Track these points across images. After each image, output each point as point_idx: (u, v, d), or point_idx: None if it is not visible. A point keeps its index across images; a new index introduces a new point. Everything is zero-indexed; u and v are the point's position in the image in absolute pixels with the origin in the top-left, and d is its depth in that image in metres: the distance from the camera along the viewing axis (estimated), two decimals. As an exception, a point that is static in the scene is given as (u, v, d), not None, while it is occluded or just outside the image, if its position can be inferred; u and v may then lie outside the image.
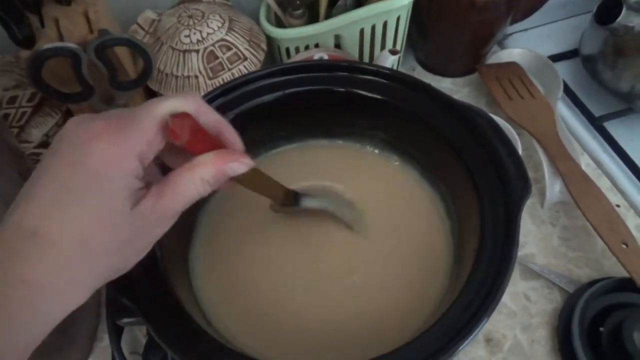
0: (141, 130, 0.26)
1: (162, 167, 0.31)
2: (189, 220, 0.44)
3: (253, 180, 0.34)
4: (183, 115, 0.27)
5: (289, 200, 0.39)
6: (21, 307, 0.23)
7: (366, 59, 0.64)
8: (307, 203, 0.40)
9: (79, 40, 0.49)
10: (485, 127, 0.39)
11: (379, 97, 0.42)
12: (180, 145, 0.27)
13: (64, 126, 0.26)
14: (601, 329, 0.46)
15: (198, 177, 0.27)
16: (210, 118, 0.29)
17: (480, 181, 0.37)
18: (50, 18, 0.50)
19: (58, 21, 0.50)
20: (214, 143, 0.29)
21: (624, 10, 0.57)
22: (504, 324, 0.49)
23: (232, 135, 0.31)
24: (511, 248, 0.33)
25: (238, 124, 0.42)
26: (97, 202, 0.25)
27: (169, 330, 0.32)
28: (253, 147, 0.47)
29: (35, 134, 0.52)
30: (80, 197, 0.24)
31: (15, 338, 0.23)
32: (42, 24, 0.50)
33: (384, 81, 0.42)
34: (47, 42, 0.47)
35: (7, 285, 0.23)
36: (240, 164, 0.29)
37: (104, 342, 0.49)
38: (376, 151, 0.47)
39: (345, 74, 0.43)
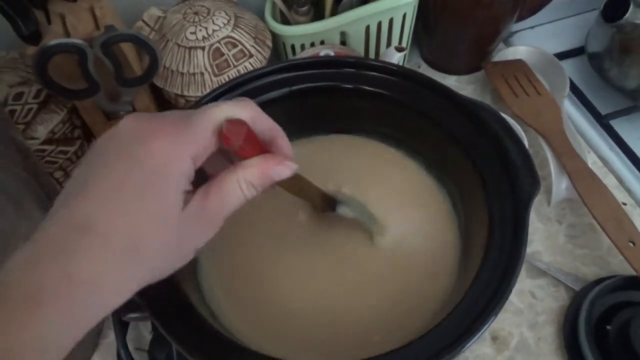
0: (198, 132, 0.26)
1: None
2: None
3: (295, 184, 0.34)
4: (238, 121, 0.27)
5: (326, 206, 0.40)
6: (62, 304, 0.22)
7: (372, 56, 0.64)
8: (343, 211, 0.40)
9: (85, 37, 0.49)
10: (493, 123, 0.39)
11: (386, 93, 0.42)
12: (231, 151, 0.27)
13: (121, 121, 0.26)
14: (608, 327, 0.45)
15: (242, 179, 0.27)
16: (265, 125, 0.30)
17: (487, 177, 0.37)
18: (57, 14, 0.50)
19: (64, 17, 0.50)
20: (263, 150, 0.29)
21: (631, 7, 0.57)
22: (511, 321, 0.49)
23: (284, 142, 0.31)
24: (520, 245, 0.33)
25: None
26: (152, 202, 0.24)
27: (175, 325, 0.32)
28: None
29: (41, 130, 0.52)
30: (137, 195, 0.24)
31: (55, 335, 0.22)
32: (49, 20, 0.50)
33: (392, 77, 0.42)
34: (53, 38, 0.47)
35: (50, 281, 0.22)
36: (285, 167, 0.29)
37: (110, 338, 0.49)
38: (383, 146, 0.47)
39: (353, 70, 0.43)
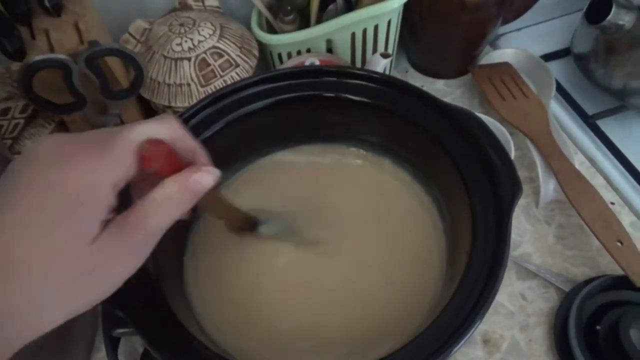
0: (118, 156, 0.25)
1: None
2: (182, 230, 0.44)
3: (217, 204, 0.33)
4: (158, 142, 0.26)
5: (246, 227, 0.39)
6: None
7: (358, 63, 0.65)
8: (263, 230, 0.40)
9: (70, 51, 0.49)
10: (475, 128, 0.39)
11: (368, 100, 0.42)
12: (151, 172, 0.26)
13: (39, 142, 0.25)
14: (598, 327, 0.46)
15: (161, 196, 0.26)
16: (186, 144, 0.28)
17: (470, 183, 0.37)
18: (41, 30, 0.50)
19: (48, 33, 0.50)
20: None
21: (613, 9, 0.57)
22: (502, 324, 0.49)
23: (206, 162, 0.30)
24: (502, 250, 0.33)
25: (229, 132, 0.43)
26: (68, 229, 0.23)
27: (162, 340, 0.32)
28: (245, 154, 0.48)
29: (29, 145, 0.52)
30: (51, 223, 0.23)
31: None
32: (33, 36, 0.50)
33: (373, 85, 0.42)
34: (37, 54, 0.47)
35: None
36: (206, 173, 0.27)
37: (102, 353, 0.49)
38: (368, 154, 0.48)
39: (334, 79, 0.43)
